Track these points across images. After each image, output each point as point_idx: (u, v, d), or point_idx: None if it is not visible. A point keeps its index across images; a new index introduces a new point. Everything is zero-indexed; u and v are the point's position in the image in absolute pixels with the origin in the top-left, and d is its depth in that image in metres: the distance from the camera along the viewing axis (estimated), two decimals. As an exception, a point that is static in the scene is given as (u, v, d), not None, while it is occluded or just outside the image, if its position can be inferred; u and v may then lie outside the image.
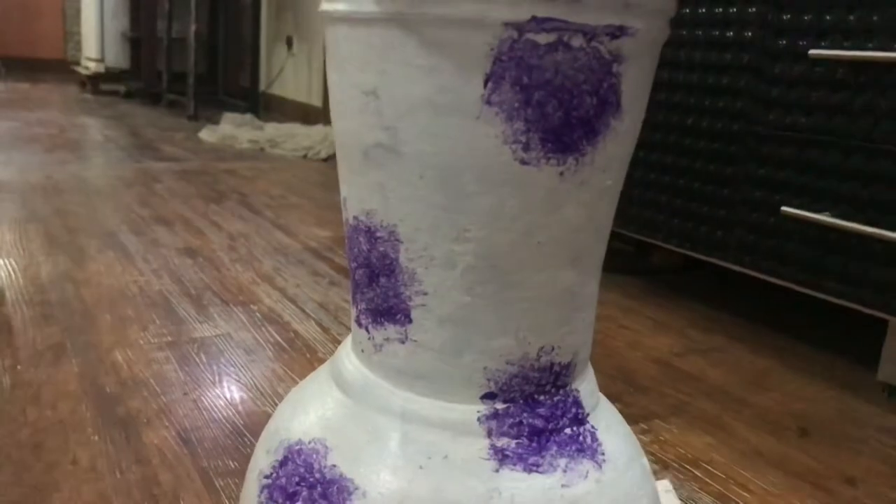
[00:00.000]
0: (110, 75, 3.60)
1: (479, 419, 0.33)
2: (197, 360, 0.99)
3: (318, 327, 1.10)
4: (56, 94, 3.81)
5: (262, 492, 0.36)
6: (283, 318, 1.14)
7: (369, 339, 0.35)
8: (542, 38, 0.28)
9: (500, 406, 0.34)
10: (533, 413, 0.34)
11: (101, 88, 3.69)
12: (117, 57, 3.58)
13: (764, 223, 1.03)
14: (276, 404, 0.87)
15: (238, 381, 0.93)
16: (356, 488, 0.33)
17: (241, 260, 1.40)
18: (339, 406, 0.36)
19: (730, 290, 1.28)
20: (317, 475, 0.34)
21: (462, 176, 0.30)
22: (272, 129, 2.58)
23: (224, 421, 0.84)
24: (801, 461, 0.81)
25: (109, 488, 0.71)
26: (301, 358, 1.00)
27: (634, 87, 0.31)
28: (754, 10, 1.02)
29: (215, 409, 0.87)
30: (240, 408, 0.87)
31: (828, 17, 0.92)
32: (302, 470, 0.34)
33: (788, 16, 0.97)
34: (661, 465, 0.79)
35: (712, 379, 0.98)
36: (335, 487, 0.33)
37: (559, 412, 0.34)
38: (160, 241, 1.50)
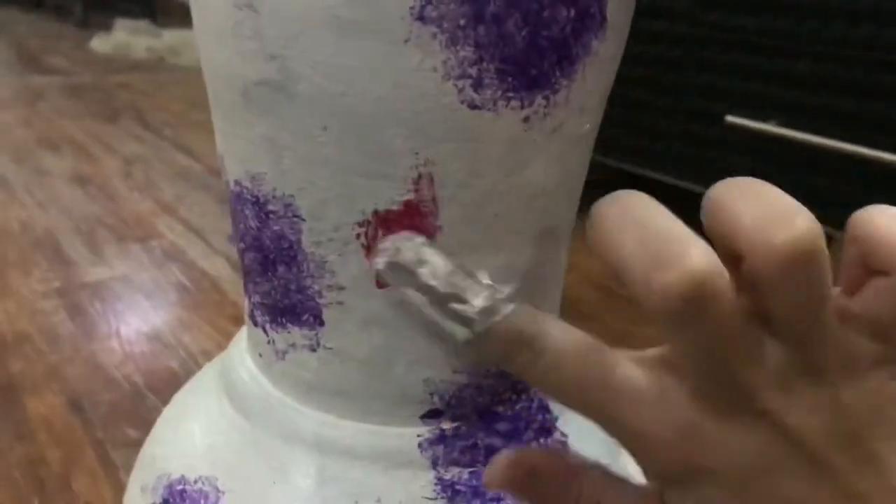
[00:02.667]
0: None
1: (420, 445, 0.25)
2: (90, 308, 0.88)
3: (227, 263, 0.99)
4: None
5: (136, 544, 0.27)
6: (187, 254, 1.03)
7: (268, 342, 0.26)
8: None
9: (447, 426, 0.25)
10: (489, 431, 0.26)
11: (-25, -9, 3.34)
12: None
13: (706, 134, 0.97)
14: (183, 358, 0.78)
15: (138, 332, 0.83)
16: (259, 549, 0.24)
17: (139, 188, 1.26)
18: (232, 430, 0.27)
19: (666, 204, 1.22)
20: (206, 529, 0.25)
21: (384, 127, 0.21)
22: (172, 37, 2.36)
23: (122, 380, 0.75)
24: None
25: (-15, 473, 0.61)
26: (208, 300, 0.90)
27: (623, -9, 0.22)
28: None
29: (112, 366, 0.77)
30: (140, 363, 0.77)
31: None
32: (187, 520, 0.26)
33: None
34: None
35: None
36: (231, 548, 0.25)
37: (522, 424, 0.27)
38: (45, 169, 1.34)
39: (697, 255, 0.16)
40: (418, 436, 0.25)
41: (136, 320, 0.85)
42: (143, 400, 0.71)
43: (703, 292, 0.15)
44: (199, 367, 0.76)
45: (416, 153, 0.21)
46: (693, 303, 0.15)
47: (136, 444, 0.66)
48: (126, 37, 2.36)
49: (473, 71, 0.20)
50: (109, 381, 0.74)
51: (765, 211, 0.17)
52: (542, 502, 0.21)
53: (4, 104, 1.75)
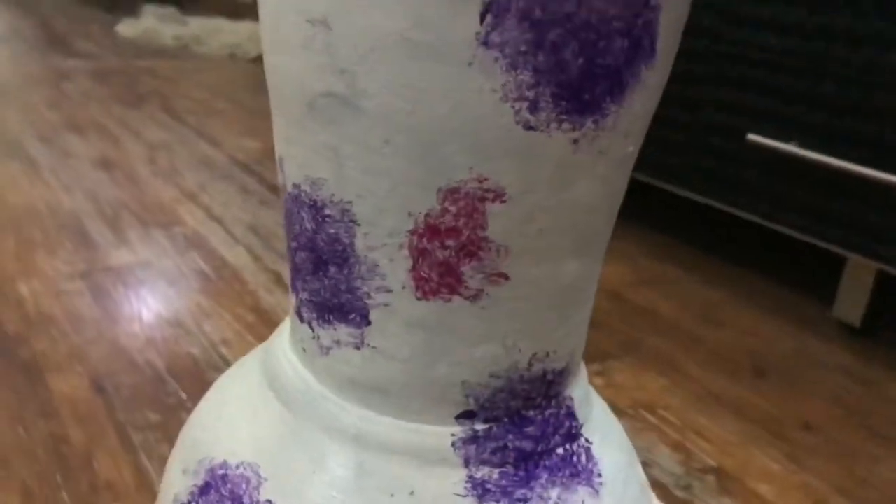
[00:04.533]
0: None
1: (454, 444, 0.27)
2: (113, 292, 0.90)
3: (249, 254, 1.01)
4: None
5: (177, 524, 0.28)
6: (209, 242, 1.04)
7: (314, 338, 0.28)
8: (564, -45, 0.20)
9: (479, 427, 0.27)
10: (520, 433, 0.27)
11: (5, -30, 3.36)
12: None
13: (726, 150, 0.98)
14: (203, 345, 0.79)
15: (160, 317, 0.85)
16: (298, 534, 0.26)
17: (163, 174, 1.28)
18: (275, 420, 0.28)
19: (681, 217, 1.23)
20: (247, 512, 0.27)
21: (444, 144, 0.22)
22: (197, 25, 2.38)
23: (144, 365, 0.76)
24: (758, 405, 0.78)
25: (9, 447, 0.63)
26: (229, 290, 0.92)
27: (672, 24, 0.23)
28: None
29: (134, 350, 0.78)
30: (161, 348, 0.79)
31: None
32: (228, 503, 0.27)
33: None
34: (618, 414, 0.75)
35: (665, 312, 0.94)
36: (271, 531, 0.26)
37: (550, 429, 0.28)
38: (71, 152, 1.36)
39: None
40: (452, 435, 0.27)
41: (159, 306, 0.87)
42: (163, 385, 0.73)
43: None
44: (220, 355, 0.78)
45: (471, 168, 0.22)
46: None
47: (157, 428, 0.68)
48: (153, 23, 2.39)
49: (531, 94, 0.21)
50: (131, 364, 0.76)
51: None
52: None
53: (32, 85, 1.78)
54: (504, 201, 0.23)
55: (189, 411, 0.71)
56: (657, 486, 0.64)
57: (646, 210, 1.25)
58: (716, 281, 1.05)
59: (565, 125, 0.22)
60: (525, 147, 0.22)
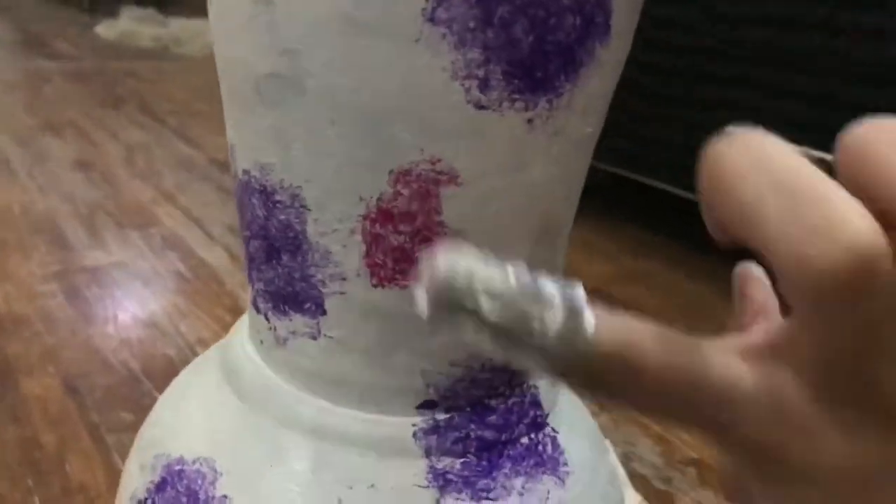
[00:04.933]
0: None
1: (414, 435, 0.26)
2: (88, 293, 0.89)
3: (227, 254, 1.00)
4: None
5: (134, 522, 0.28)
6: (186, 243, 1.03)
7: (270, 329, 0.27)
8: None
9: (441, 417, 0.26)
10: (482, 423, 0.26)
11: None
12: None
13: (706, 145, 0.98)
14: (179, 346, 0.78)
15: (135, 318, 0.84)
16: (254, 529, 0.25)
17: (140, 175, 1.27)
18: (232, 414, 0.28)
19: (662, 213, 1.23)
20: (203, 508, 0.26)
21: (393, 123, 0.21)
22: (177, 26, 2.37)
23: (118, 365, 0.75)
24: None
25: (-21, 452, 0.62)
26: (206, 289, 0.91)
27: (627, 2, 0.23)
28: None
29: (108, 351, 0.77)
30: (136, 349, 0.78)
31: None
32: (184, 500, 0.26)
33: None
34: (608, 418, 0.74)
35: (649, 308, 0.94)
36: (227, 527, 0.25)
37: (514, 418, 0.27)
38: (48, 154, 1.34)
39: (861, 224, 0.13)
40: (413, 425, 0.26)
41: (134, 306, 0.86)
42: (138, 385, 0.72)
43: (867, 270, 0.13)
44: (196, 355, 0.77)
45: (422, 149, 0.22)
46: (854, 282, 0.13)
47: (131, 428, 0.67)
48: (132, 24, 2.37)
49: (481, 72, 0.21)
50: (105, 365, 0.75)
51: None
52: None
53: (9, 87, 1.76)
54: (458, 184, 0.22)
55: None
56: (638, 478, 0.64)
57: (626, 206, 1.25)
58: (699, 276, 1.05)
59: (518, 104, 0.21)
60: (477, 127, 0.21)
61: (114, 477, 0.60)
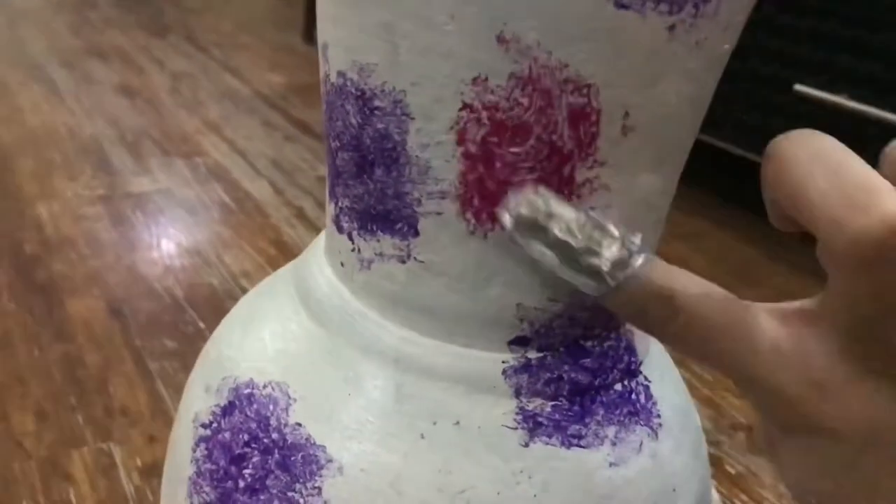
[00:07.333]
0: None
1: (504, 372, 0.24)
2: (133, 218, 0.88)
3: (271, 188, 0.99)
4: None
5: (198, 445, 0.26)
6: (231, 174, 1.02)
7: (353, 250, 0.25)
8: None
9: (533, 356, 0.24)
10: (576, 365, 0.24)
11: None
12: None
13: (770, 101, 0.93)
14: (223, 276, 0.77)
15: (179, 246, 0.83)
16: (329, 461, 0.23)
17: (186, 104, 1.25)
18: (307, 337, 0.26)
19: (715, 171, 1.19)
20: (274, 435, 0.24)
21: (519, 20, 0.19)
22: (224, -43, 2.32)
23: (162, 292, 0.74)
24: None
25: (25, 367, 0.61)
26: (250, 222, 0.89)
27: None
28: None
29: (152, 277, 0.76)
30: (180, 277, 0.77)
31: None
32: (253, 425, 0.25)
33: None
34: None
35: (698, 268, 0.91)
36: (299, 456, 0.24)
37: (609, 363, 0.25)
38: (94, 77, 1.33)
39: (894, 201, 0.15)
40: (503, 362, 0.24)
41: (178, 234, 0.85)
42: (181, 313, 0.71)
43: None
44: (239, 286, 0.76)
45: (550, 52, 0.19)
46: (886, 250, 0.15)
47: (173, 356, 0.66)
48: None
49: (625, -34, 0.18)
50: (149, 291, 0.74)
51: None
52: None
53: (55, 10, 1.74)
54: (584, 95, 0.20)
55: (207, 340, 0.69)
56: (688, 440, 0.62)
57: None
58: (750, 238, 1.01)
59: (662, 5, 0.19)
60: (614, 29, 0.19)
61: (156, 402, 0.59)
